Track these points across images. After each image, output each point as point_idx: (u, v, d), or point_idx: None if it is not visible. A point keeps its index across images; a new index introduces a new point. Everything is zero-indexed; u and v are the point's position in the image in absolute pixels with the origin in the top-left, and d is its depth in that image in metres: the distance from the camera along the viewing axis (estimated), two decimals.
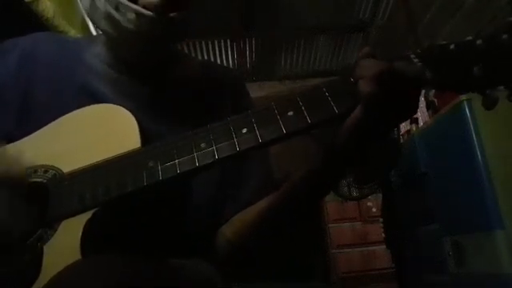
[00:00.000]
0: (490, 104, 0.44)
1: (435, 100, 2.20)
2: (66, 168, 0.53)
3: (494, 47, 0.42)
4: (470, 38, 0.44)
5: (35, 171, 0.54)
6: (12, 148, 0.59)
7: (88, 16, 0.64)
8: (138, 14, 0.57)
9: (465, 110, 1.67)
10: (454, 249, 1.76)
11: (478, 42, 0.43)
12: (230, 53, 3.53)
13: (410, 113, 0.47)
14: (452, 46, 0.44)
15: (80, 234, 0.47)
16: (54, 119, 0.59)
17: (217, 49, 3.47)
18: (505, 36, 0.42)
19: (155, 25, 0.58)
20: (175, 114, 0.66)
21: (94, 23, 0.63)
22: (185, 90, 0.70)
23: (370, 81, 0.44)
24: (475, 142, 1.62)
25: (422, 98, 2.69)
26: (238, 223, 0.65)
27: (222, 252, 0.65)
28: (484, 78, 0.42)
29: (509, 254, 1.48)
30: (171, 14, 0.59)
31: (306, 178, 0.55)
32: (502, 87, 0.43)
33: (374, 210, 3.15)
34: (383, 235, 2.24)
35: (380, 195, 2.26)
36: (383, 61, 0.46)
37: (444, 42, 0.45)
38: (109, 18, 0.59)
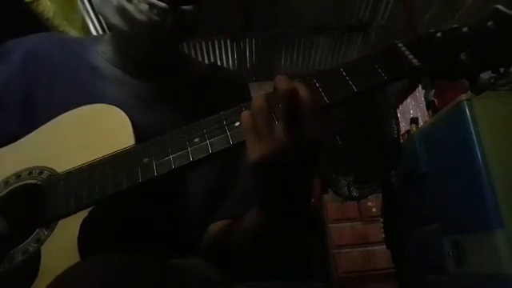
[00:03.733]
0: (478, 89, 0.45)
1: (435, 100, 2.19)
2: (61, 168, 0.53)
3: (479, 34, 0.44)
4: (456, 25, 0.45)
5: (30, 173, 0.55)
6: (4, 151, 0.59)
7: (97, 11, 0.64)
8: (150, 5, 0.57)
9: (465, 109, 1.67)
10: (454, 249, 1.76)
11: (464, 29, 0.44)
12: (230, 53, 3.53)
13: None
14: (439, 34, 0.45)
15: (77, 233, 0.47)
16: None
17: (217, 49, 3.47)
18: (490, 23, 0.43)
19: (167, 17, 0.58)
20: (179, 115, 0.66)
21: (104, 18, 0.63)
22: (190, 91, 0.70)
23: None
24: (475, 142, 1.62)
25: (422, 98, 2.70)
26: (215, 232, 0.63)
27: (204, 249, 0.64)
28: (471, 63, 0.43)
29: (509, 253, 1.48)
30: (184, 7, 0.59)
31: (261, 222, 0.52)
32: (489, 71, 0.44)
33: (373, 210, 3.15)
34: (383, 235, 2.24)
35: (380, 195, 2.25)
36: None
37: (431, 31, 0.46)
38: (120, 10, 0.59)
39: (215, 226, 0.64)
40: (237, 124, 0.47)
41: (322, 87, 0.46)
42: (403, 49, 0.46)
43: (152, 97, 0.66)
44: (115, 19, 0.61)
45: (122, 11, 0.59)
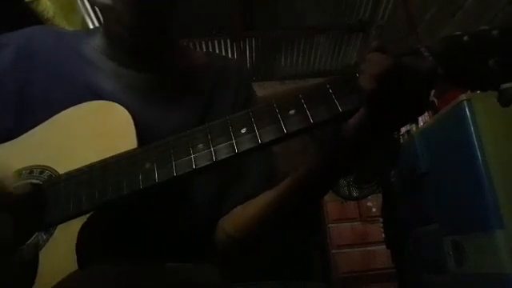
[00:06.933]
0: (506, 100, 0.40)
1: (435, 100, 2.19)
2: (62, 168, 0.52)
3: (510, 38, 0.39)
4: (485, 27, 0.41)
5: (31, 172, 0.54)
6: (3, 148, 0.58)
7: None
8: None
9: (465, 109, 1.67)
10: (454, 249, 1.75)
11: (494, 32, 0.40)
12: (230, 53, 3.53)
13: (419, 112, 0.43)
14: (466, 38, 0.41)
15: (75, 238, 0.47)
16: (53, 115, 0.58)
17: (217, 49, 3.47)
18: None
19: None
20: (176, 104, 0.65)
21: (90, 3, 0.63)
22: (187, 80, 0.69)
23: (372, 77, 0.40)
24: (475, 142, 1.62)
25: None
26: (238, 217, 0.63)
27: (222, 247, 0.64)
28: (500, 71, 0.39)
29: (509, 253, 1.48)
30: None
31: (307, 175, 0.53)
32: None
33: (373, 210, 3.14)
34: (383, 235, 2.23)
35: (380, 195, 2.25)
36: (391, 56, 0.42)
37: (457, 33, 0.42)
38: None
39: (227, 217, 0.64)
40: (243, 131, 0.45)
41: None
42: (426, 54, 0.41)
43: (149, 87, 0.65)
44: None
45: None
